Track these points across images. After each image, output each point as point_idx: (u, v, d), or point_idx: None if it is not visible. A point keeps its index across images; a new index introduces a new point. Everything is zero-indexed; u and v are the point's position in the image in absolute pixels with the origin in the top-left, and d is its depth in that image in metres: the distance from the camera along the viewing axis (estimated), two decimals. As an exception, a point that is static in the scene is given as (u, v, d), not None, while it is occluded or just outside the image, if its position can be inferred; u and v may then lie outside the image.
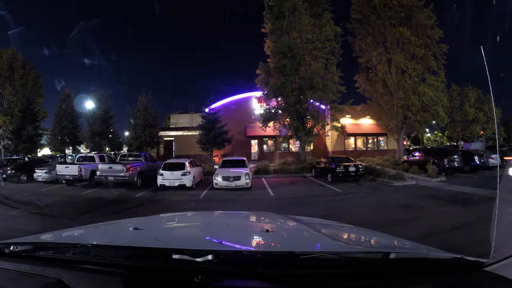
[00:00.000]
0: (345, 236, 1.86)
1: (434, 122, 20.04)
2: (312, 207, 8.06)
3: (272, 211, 3.04)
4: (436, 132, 40.60)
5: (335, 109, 16.75)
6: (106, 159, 14.83)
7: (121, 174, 11.67)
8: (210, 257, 1.06)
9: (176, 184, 11.17)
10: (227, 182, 10.81)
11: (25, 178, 14.99)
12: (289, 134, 17.40)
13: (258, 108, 22.92)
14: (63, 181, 13.00)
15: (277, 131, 17.21)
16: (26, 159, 23.92)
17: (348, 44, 19.20)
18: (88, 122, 23.32)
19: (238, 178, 10.82)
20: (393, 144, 22.03)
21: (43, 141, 27.38)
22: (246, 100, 25.46)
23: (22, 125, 23.16)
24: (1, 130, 22.26)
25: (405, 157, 17.25)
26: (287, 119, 16.49)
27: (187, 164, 11.72)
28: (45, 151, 32.91)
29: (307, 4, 16.50)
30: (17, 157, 24.60)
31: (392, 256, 1.13)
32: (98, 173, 12.14)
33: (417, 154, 16.87)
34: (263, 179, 14.30)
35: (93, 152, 19.62)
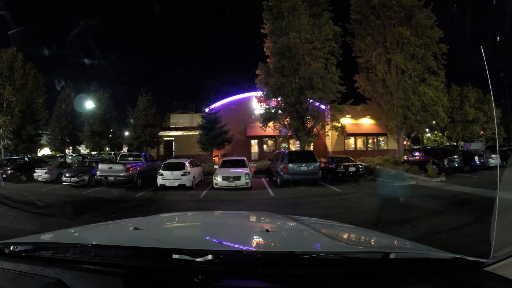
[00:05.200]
0: (345, 236, 1.86)
1: (434, 122, 20.00)
2: (312, 207, 8.06)
3: (272, 211, 3.04)
4: (436, 132, 40.54)
5: (335, 109, 16.74)
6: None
7: (121, 174, 11.67)
8: (210, 257, 1.06)
9: (176, 184, 11.16)
10: (227, 182, 10.81)
11: (25, 178, 14.99)
12: (289, 134, 17.37)
13: (258, 108, 22.90)
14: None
15: (277, 131, 17.19)
16: (26, 159, 23.95)
17: (347, 44, 19.18)
18: (88, 122, 23.31)
19: (238, 178, 10.82)
20: (393, 144, 22.02)
21: (43, 141, 27.40)
22: (246, 100, 25.45)
23: (22, 125, 23.13)
24: (1, 130, 22.22)
25: (405, 157, 17.23)
26: (287, 119, 16.46)
27: (187, 164, 11.72)
28: (45, 151, 32.93)
29: (307, 4, 16.47)
30: (17, 157, 24.63)
31: (392, 256, 1.14)
32: (98, 173, 12.11)
33: (417, 154, 16.85)
34: (263, 179, 14.29)
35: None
